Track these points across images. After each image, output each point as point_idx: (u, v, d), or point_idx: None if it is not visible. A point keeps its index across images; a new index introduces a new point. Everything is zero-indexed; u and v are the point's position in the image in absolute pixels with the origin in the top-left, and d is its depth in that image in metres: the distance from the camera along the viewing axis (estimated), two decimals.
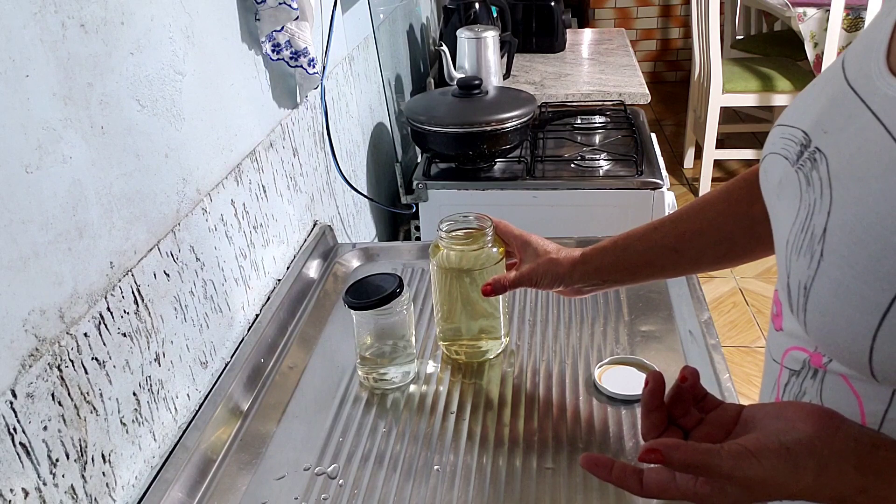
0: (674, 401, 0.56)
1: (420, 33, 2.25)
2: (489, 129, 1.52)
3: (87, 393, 0.65)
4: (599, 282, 0.84)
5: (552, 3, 2.43)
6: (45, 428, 0.59)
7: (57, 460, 0.61)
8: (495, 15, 2.25)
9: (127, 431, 0.71)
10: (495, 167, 1.65)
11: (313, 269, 1.17)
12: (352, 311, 0.88)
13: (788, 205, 0.54)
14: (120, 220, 0.71)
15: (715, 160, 3.36)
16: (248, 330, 0.98)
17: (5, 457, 0.55)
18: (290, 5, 0.99)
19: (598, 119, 1.91)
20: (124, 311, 0.71)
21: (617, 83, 2.09)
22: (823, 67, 2.94)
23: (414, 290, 1.13)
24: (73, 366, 0.63)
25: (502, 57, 2.09)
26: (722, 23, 3.51)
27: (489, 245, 0.89)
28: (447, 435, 0.83)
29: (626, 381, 0.88)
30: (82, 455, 0.64)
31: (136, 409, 0.72)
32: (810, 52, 2.98)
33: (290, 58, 1.07)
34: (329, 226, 1.27)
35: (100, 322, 0.67)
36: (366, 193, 1.57)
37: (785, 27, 3.52)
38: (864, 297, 0.45)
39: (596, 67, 2.28)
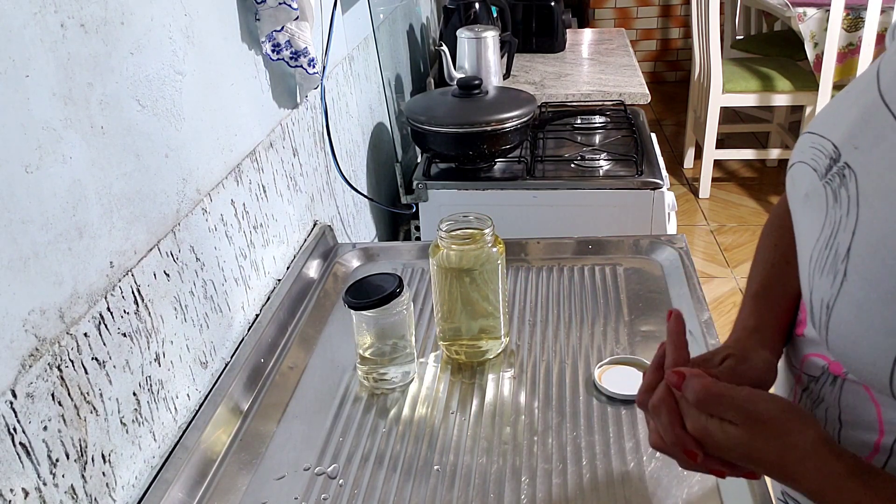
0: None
1: (420, 33, 2.25)
2: (489, 129, 1.52)
3: (87, 393, 0.65)
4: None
5: (552, 3, 2.43)
6: (45, 428, 0.59)
7: (57, 460, 0.61)
8: (495, 15, 2.25)
9: (127, 431, 0.71)
10: (495, 167, 1.65)
11: (313, 269, 1.17)
12: (352, 311, 0.88)
13: (813, 219, 0.54)
14: (120, 220, 0.71)
15: (715, 160, 3.36)
16: (248, 330, 0.98)
17: (5, 457, 0.55)
18: (290, 5, 0.98)
19: (598, 119, 1.90)
20: (124, 311, 0.71)
21: (617, 83, 2.09)
22: (823, 67, 2.95)
23: (414, 290, 1.13)
24: (73, 366, 0.63)
25: (502, 57, 2.09)
26: (722, 23, 3.51)
27: (489, 245, 0.89)
28: (447, 435, 0.83)
29: (626, 381, 0.88)
30: (82, 455, 0.64)
31: (136, 409, 0.72)
32: (810, 52, 2.98)
33: (290, 58, 1.07)
34: (329, 226, 1.27)
35: (100, 322, 0.67)
36: (366, 193, 1.57)
37: (785, 27, 3.51)
38: (886, 320, 0.45)
39: (596, 67, 2.28)
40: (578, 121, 1.91)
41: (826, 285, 0.50)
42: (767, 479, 0.72)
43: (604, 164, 1.64)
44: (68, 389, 0.62)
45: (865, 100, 0.53)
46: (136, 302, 0.73)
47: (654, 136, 1.85)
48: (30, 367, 0.58)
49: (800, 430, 0.50)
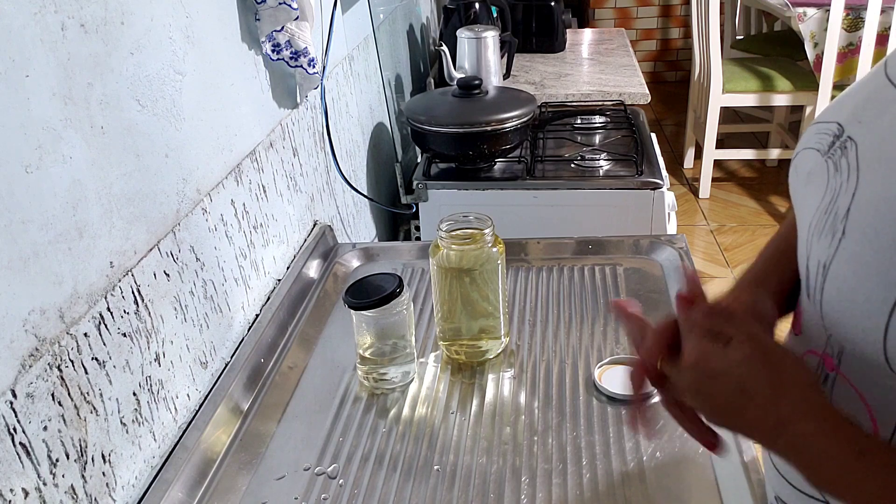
0: None
1: (420, 33, 2.25)
2: (489, 129, 1.52)
3: (87, 393, 0.65)
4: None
5: (552, 3, 2.43)
6: (45, 428, 0.59)
7: (57, 460, 0.61)
8: (495, 15, 2.25)
9: (127, 431, 0.71)
10: (495, 167, 1.65)
11: (313, 269, 1.17)
12: (352, 311, 0.88)
13: (814, 192, 0.54)
14: (120, 220, 0.71)
15: (715, 160, 3.36)
16: (248, 330, 0.98)
17: (5, 457, 0.55)
18: (290, 5, 0.99)
19: (598, 119, 1.90)
20: (124, 311, 0.71)
21: (617, 83, 2.09)
22: (823, 67, 2.95)
23: (414, 290, 1.13)
24: (73, 366, 0.63)
25: (502, 57, 2.09)
26: (722, 23, 3.51)
27: (489, 245, 0.89)
28: (447, 435, 0.83)
29: (626, 382, 0.88)
30: (82, 455, 0.64)
31: (136, 409, 0.72)
32: (810, 52, 2.98)
33: (290, 58, 1.07)
34: (329, 226, 1.27)
35: (100, 322, 0.67)
36: (366, 193, 1.57)
37: (785, 27, 3.51)
38: (882, 272, 0.46)
39: (596, 67, 2.28)
40: (578, 121, 1.91)
41: (824, 246, 0.50)
42: (765, 476, 0.72)
43: (604, 164, 1.64)
44: (68, 389, 0.62)
45: (872, 85, 0.54)
46: (136, 302, 0.73)
47: (654, 136, 1.85)
48: (30, 367, 0.58)
49: (794, 368, 0.50)
